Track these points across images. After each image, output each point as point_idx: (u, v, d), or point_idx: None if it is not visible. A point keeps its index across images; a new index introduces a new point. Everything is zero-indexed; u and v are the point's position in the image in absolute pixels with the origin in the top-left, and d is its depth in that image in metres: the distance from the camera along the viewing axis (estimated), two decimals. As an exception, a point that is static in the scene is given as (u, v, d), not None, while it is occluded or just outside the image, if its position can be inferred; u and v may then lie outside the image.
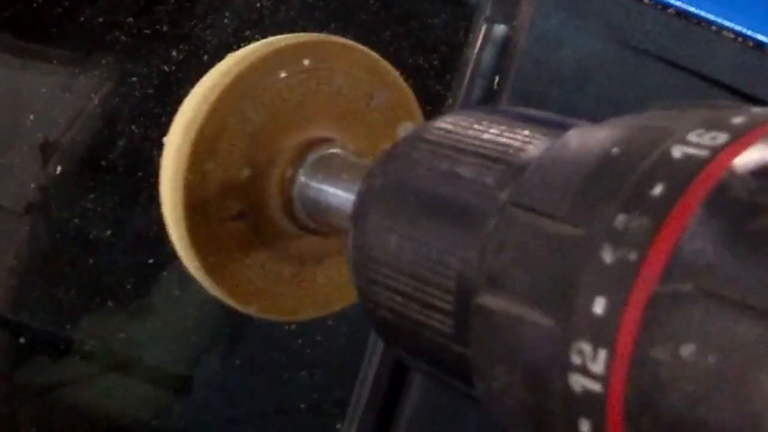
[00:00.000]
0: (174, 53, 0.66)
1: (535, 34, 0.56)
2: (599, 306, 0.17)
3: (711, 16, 0.56)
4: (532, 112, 0.25)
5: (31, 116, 0.68)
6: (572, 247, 0.18)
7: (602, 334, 0.17)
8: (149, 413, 0.67)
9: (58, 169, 0.67)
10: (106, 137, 0.67)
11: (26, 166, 0.68)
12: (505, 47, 0.57)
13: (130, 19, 0.67)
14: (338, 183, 0.32)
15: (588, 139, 0.20)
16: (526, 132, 0.23)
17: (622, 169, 0.18)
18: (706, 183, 0.17)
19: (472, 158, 0.23)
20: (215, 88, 0.31)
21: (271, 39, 0.33)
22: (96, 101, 0.67)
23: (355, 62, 0.34)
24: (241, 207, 0.33)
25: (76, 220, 0.67)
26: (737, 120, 0.18)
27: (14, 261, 0.67)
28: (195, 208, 0.32)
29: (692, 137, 0.18)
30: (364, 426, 0.55)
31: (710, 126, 0.18)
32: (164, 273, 0.66)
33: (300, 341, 0.65)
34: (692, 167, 0.17)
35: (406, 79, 0.36)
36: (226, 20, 0.67)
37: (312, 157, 0.33)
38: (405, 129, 0.36)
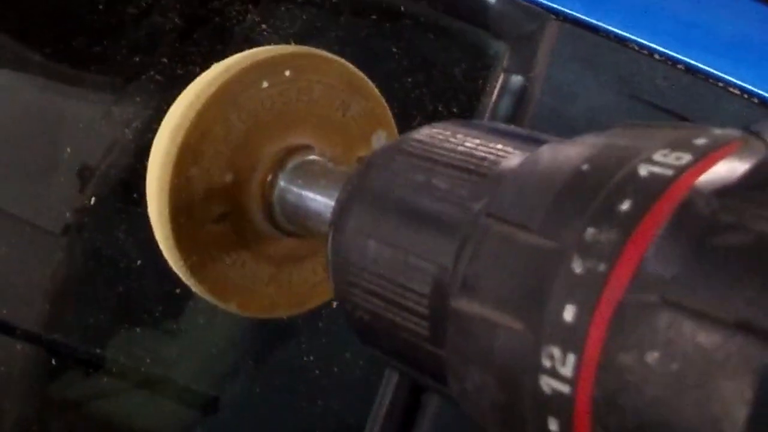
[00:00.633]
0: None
1: (550, 85, 0.58)
2: (569, 313, 0.18)
3: (719, 73, 0.58)
4: (505, 126, 0.26)
5: (70, 144, 0.68)
6: (544, 257, 0.19)
7: (572, 339, 0.18)
8: (176, 429, 0.68)
9: (93, 199, 0.67)
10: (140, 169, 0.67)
11: (64, 190, 0.68)
12: (521, 97, 0.58)
13: (164, 60, 0.67)
14: (316, 188, 0.33)
15: (559, 155, 0.21)
16: (500, 146, 0.24)
17: (591, 185, 0.19)
18: (671, 201, 0.17)
19: (448, 170, 0.24)
20: (201, 97, 0.32)
21: (254, 50, 0.33)
22: (130, 135, 0.67)
23: (333, 73, 0.35)
24: (224, 210, 0.33)
25: (109, 249, 0.67)
26: (700, 141, 0.19)
27: (50, 282, 0.67)
28: (180, 210, 0.32)
29: (658, 157, 0.19)
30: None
31: (675, 146, 0.19)
32: (190, 303, 0.66)
33: (317, 372, 0.65)
34: (658, 185, 0.18)
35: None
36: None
37: (291, 163, 0.34)
38: (379, 137, 0.37)
